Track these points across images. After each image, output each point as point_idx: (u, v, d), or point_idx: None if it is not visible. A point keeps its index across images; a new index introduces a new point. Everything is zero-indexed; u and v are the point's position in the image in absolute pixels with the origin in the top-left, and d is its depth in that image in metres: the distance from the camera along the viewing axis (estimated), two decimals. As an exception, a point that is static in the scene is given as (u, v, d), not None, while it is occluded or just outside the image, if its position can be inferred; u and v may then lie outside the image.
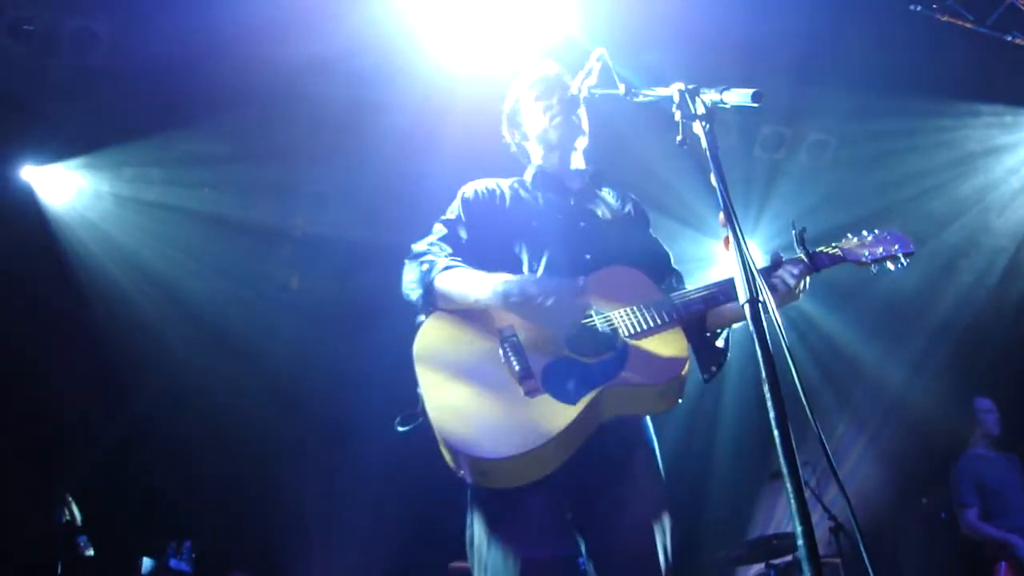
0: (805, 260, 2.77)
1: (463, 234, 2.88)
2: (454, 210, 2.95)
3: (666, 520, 2.62)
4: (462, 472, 2.47)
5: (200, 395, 6.53)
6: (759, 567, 6.34)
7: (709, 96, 2.32)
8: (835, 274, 3.00)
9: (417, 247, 2.85)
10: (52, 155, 6.27)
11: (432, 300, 2.69)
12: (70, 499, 5.46)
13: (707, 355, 2.83)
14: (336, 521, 6.83)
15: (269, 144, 6.04)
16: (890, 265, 2.85)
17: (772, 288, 2.69)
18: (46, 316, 6.47)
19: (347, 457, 6.47)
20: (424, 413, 2.51)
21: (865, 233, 2.88)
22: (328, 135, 5.93)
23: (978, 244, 7.31)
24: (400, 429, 2.56)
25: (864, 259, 2.83)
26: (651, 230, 3.09)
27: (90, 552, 5.34)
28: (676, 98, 2.34)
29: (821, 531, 6.51)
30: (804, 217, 6.49)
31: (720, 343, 2.85)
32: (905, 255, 2.84)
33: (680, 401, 2.63)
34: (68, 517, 5.37)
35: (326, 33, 5.22)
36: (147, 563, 5.51)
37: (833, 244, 2.87)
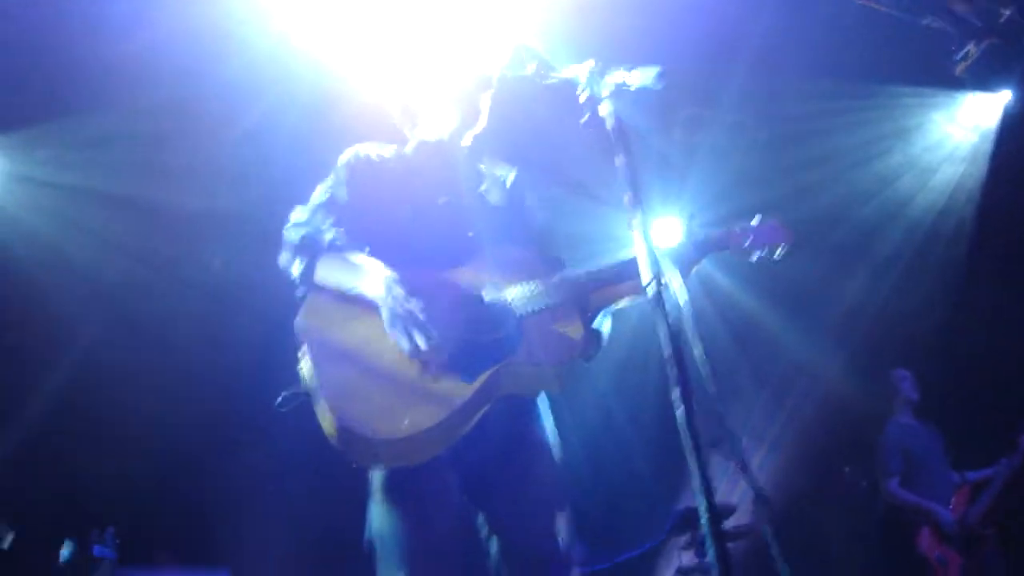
0: (689, 245, 2.86)
1: (344, 199, 2.79)
2: (334, 176, 2.86)
3: (565, 495, 2.65)
4: (351, 456, 2.43)
5: (119, 380, 6.40)
6: (685, 537, 6.44)
7: (615, 77, 2.33)
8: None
9: (296, 216, 2.77)
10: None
11: (311, 280, 2.62)
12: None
13: (587, 335, 2.80)
14: (266, 498, 6.77)
15: (187, 122, 5.90)
16: (768, 256, 2.94)
17: None
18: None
19: (270, 436, 6.41)
20: (307, 394, 2.46)
21: (748, 224, 2.95)
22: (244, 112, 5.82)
23: (892, 222, 7.48)
24: (282, 410, 2.51)
25: (745, 248, 2.92)
26: (533, 206, 3.06)
27: (8, 541, 5.24)
28: (583, 79, 2.35)
29: (748, 501, 6.66)
30: (720, 197, 6.66)
31: (600, 327, 2.86)
32: (782, 247, 2.94)
33: (569, 382, 2.64)
34: (-17, 507, 5.25)
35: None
36: (67, 550, 5.41)
37: (717, 233, 2.95)
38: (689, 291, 2.39)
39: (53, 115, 5.86)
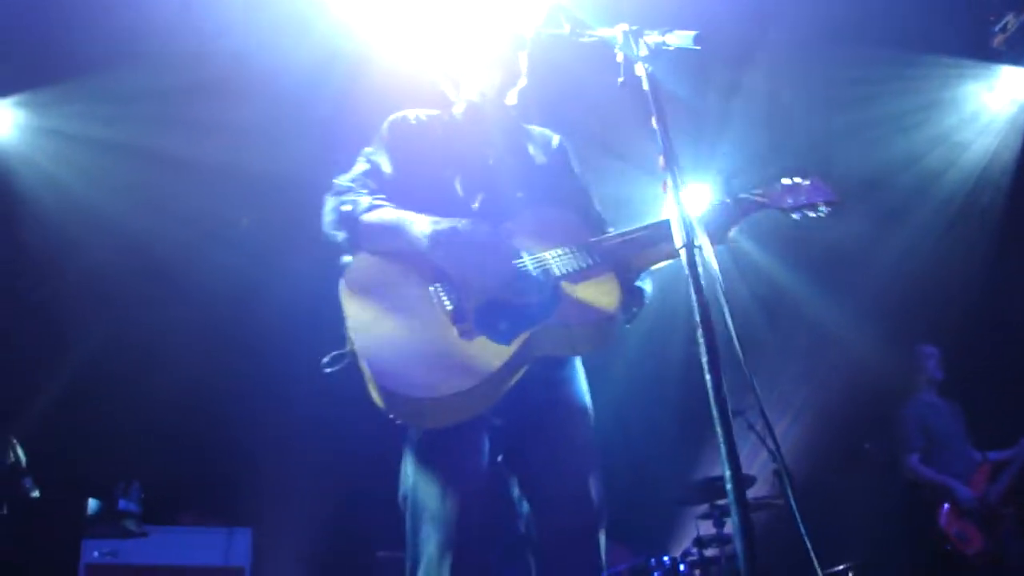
0: (731, 205, 2.80)
1: (387, 168, 2.81)
2: (378, 142, 2.87)
3: (597, 463, 2.66)
4: (392, 413, 2.46)
5: (147, 335, 6.47)
6: (704, 507, 6.46)
7: (652, 38, 2.31)
8: (781, 219, 2.98)
9: (340, 182, 2.78)
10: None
11: (357, 242, 2.65)
12: (15, 441, 5.42)
13: (628, 297, 2.81)
14: (289, 458, 6.84)
15: (218, 80, 5.89)
16: (811, 214, 2.84)
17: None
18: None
19: (299, 393, 6.46)
20: (352, 354, 2.49)
21: (791, 181, 2.86)
22: (275, 73, 5.80)
23: (926, 193, 7.38)
24: (327, 370, 2.53)
25: (786, 206, 2.83)
26: (577, 170, 3.06)
27: (35, 494, 5.31)
28: (619, 39, 2.33)
29: (767, 473, 6.66)
30: (754, 162, 6.59)
31: (642, 285, 2.85)
32: (826, 203, 2.84)
33: (612, 342, 2.64)
34: (12, 459, 5.32)
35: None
36: (93, 503, 5.49)
37: (759, 190, 2.87)
38: (720, 255, 2.35)
39: (83, 70, 5.88)
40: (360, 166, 2.82)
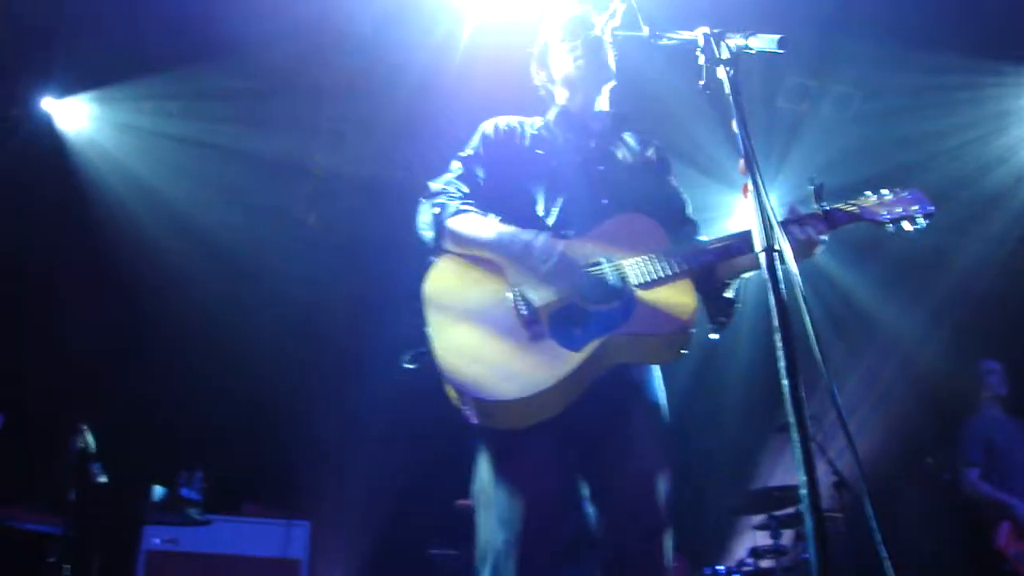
0: (822, 216, 2.66)
1: (480, 173, 2.89)
2: (473, 147, 2.94)
3: (667, 468, 2.65)
4: (467, 412, 2.51)
5: (216, 327, 6.58)
6: (761, 518, 6.39)
7: (734, 41, 2.29)
8: (851, 229, 2.92)
9: (434, 185, 2.86)
10: (71, 87, 6.28)
11: (442, 242, 2.73)
12: (84, 427, 5.52)
13: (716, 306, 2.83)
14: (349, 454, 6.92)
15: (289, 80, 5.99)
16: (907, 226, 2.69)
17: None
18: (64, 248, 6.52)
19: (361, 391, 6.53)
20: (431, 352, 2.54)
21: (884, 191, 2.73)
22: (348, 72, 5.88)
23: (1000, 206, 7.22)
24: (407, 367, 2.61)
25: (881, 218, 2.69)
26: (672, 177, 3.05)
27: (103, 479, 5.41)
28: (700, 42, 2.32)
29: (824, 486, 6.56)
30: (825, 171, 6.51)
31: (729, 294, 2.84)
32: (924, 215, 2.69)
33: (684, 352, 2.61)
34: (82, 445, 5.43)
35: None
36: (158, 491, 5.58)
37: (851, 201, 2.74)
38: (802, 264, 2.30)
39: (158, 68, 6.03)
40: (455, 169, 2.91)
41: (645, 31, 2.53)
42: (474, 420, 2.52)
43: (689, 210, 3.02)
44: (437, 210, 2.76)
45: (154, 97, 6.28)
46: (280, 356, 6.79)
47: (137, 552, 6.00)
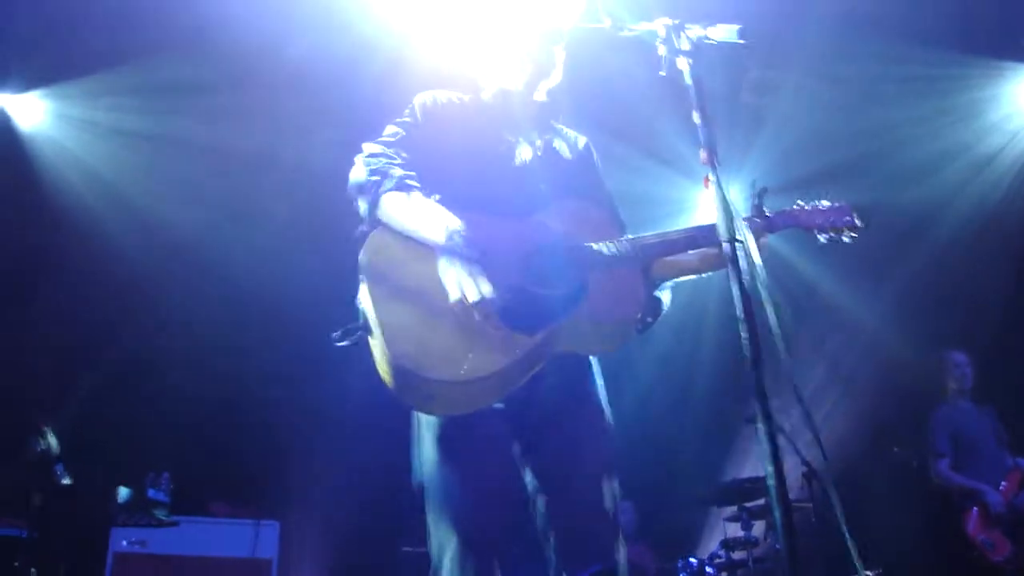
0: (760, 221, 2.76)
1: (418, 138, 2.74)
2: (411, 113, 2.80)
3: (611, 459, 2.62)
4: (406, 396, 2.40)
5: (180, 325, 6.52)
6: (732, 509, 6.42)
7: (694, 31, 2.29)
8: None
9: (369, 147, 2.69)
10: (27, 83, 6.18)
11: (376, 216, 2.56)
12: (46, 428, 5.45)
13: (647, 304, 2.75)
14: (318, 452, 6.87)
15: (248, 72, 5.93)
16: (837, 238, 2.85)
17: None
18: (24, 246, 6.42)
19: (329, 389, 6.48)
20: (366, 329, 2.42)
21: (819, 203, 2.87)
22: (303, 62, 5.83)
23: (959, 196, 7.30)
24: (338, 344, 2.45)
25: (814, 227, 2.84)
26: (602, 173, 3.00)
27: (66, 481, 5.34)
28: (661, 32, 2.31)
29: (794, 476, 6.61)
30: (787, 161, 6.53)
31: (660, 295, 2.80)
32: (851, 230, 2.84)
33: (625, 344, 2.60)
34: (44, 446, 5.36)
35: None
36: (124, 492, 5.52)
37: (792, 207, 2.86)
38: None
39: (115, 63, 5.95)
40: (391, 132, 2.75)
41: (607, 23, 2.50)
42: (411, 403, 2.44)
43: (618, 208, 2.96)
44: (376, 177, 2.58)
45: (110, 92, 6.19)
46: (246, 354, 6.74)
47: (105, 554, 5.93)
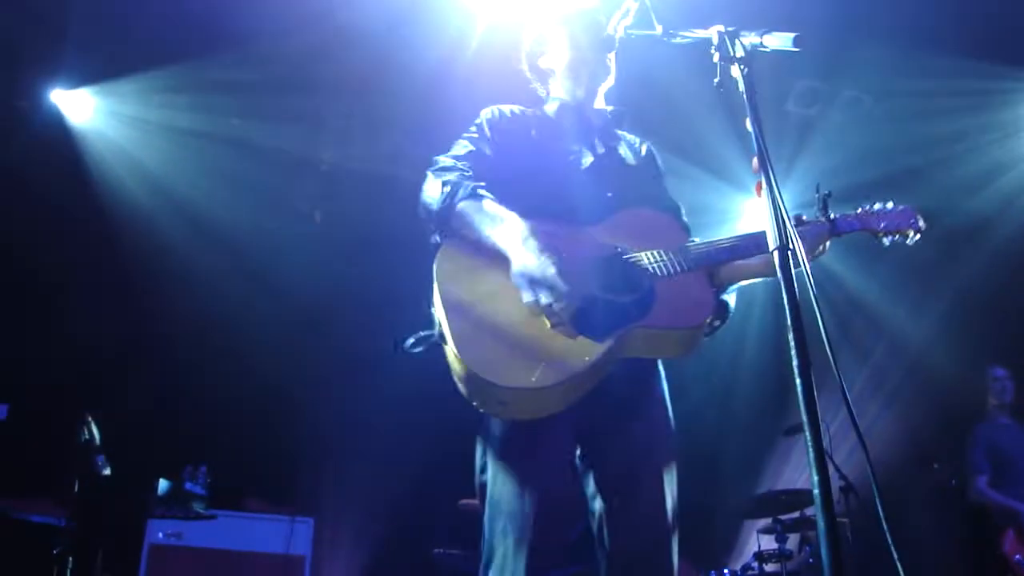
0: (826, 223, 2.79)
1: (488, 152, 2.79)
2: (479, 128, 2.86)
3: (674, 465, 2.63)
4: (477, 402, 2.43)
5: (222, 320, 6.57)
6: (766, 521, 6.37)
7: (749, 39, 2.28)
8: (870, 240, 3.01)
9: (443, 160, 2.74)
10: (81, 79, 6.30)
11: (449, 225, 2.60)
12: (89, 418, 5.52)
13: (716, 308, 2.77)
14: (354, 451, 6.91)
15: (297, 74, 5.99)
16: (901, 240, 2.90)
17: None
18: (72, 240, 6.52)
19: (367, 387, 6.52)
20: (440, 337, 2.46)
21: (884, 205, 2.90)
22: (358, 69, 5.87)
23: (1009, 211, 7.20)
24: (413, 351, 2.50)
25: (879, 230, 2.86)
26: (665, 181, 3.04)
27: (107, 471, 5.41)
28: (715, 40, 2.30)
29: (834, 489, 6.54)
30: (834, 173, 6.48)
31: (727, 298, 2.82)
32: (915, 232, 2.89)
33: (695, 349, 2.61)
34: (87, 436, 5.43)
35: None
36: (163, 484, 5.58)
37: (855, 211, 2.89)
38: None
39: (167, 62, 6.05)
40: (462, 147, 2.80)
41: (659, 30, 2.51)
42: (485, 410, 2.46)
43: (683, 214, 2.99)
44: (448, 188, 2.61)
45: (162, 90, 6.30)
46: (286, 351, 6.79)
47: (141, 545, 5.99)
